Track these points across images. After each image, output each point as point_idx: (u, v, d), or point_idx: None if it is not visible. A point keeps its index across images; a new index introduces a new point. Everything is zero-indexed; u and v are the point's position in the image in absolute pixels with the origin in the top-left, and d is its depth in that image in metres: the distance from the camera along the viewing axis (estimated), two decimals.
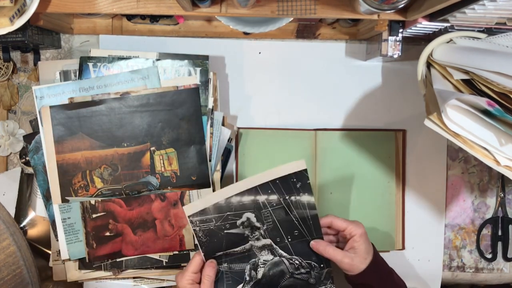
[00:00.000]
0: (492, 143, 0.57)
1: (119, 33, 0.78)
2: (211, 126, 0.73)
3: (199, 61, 0.73)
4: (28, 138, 0.72)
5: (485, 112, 0.56)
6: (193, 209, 0.63)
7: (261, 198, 0.64)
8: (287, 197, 0.64)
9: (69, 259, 0.72)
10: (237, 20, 0.70)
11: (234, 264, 0.66)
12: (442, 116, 0.57)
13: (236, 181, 0.79)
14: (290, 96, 0.80)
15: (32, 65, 0.79)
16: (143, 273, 0.74)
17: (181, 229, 0.72)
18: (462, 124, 0.57)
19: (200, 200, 0.63)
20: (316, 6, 0.63)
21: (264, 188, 0.63)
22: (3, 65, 0.78)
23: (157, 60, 0.72)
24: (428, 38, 0.72)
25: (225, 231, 0.64)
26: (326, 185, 0.79)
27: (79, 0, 0.64)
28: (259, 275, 0.66)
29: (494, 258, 0.82)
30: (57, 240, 0.72)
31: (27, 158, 0.76)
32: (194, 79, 0.72)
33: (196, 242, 0.65)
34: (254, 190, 0.63)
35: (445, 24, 0.66)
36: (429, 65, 0.68)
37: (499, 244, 0.83)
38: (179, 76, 0.72)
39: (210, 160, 0.72)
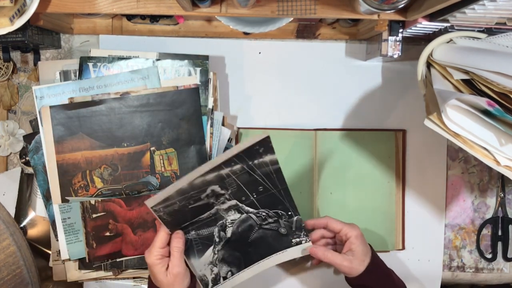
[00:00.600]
0: (492, 143, 0.57)
1: (119, 33, 0.78)
2: (211, 126, 0.73)
3: (199, 61, 0.73)
4: (28, 138, 0.72)
5: (485, 112, 0.56)
6: (155, 200, 0.59)
7: (225, 171, 0.60)
8: (250, 162, 0.61)
9: (69, 259, 0.72)
10: (237, 20, 0.70)
11: (202, 230, 0.64)
12: (442, 116, 0.57)
13: None
14: (290, 96, 0.80)
15: (32, 65, 0.79)
16: (143, 273, 0.74)
17: None
18: (462, 124, 0.57)
19: (162, 192, 0.59)
20: (316, 6, 0.63)
21: (227, 163, 0.60)
22: (3, 65, 0.78)
23: (157, 60, 0.72)
24: (428, 38, 0.72)
25: (189, 207, 0.62)
26: (326, 185, 0.79)
27: (79, 0, 0.64)
28: (228, 234, 0.65)
29: (494, 258, 0.82)
30: (57, 240, 0.72)
31: (27, 158, 0.76)
32: (194, 79, 0.72)
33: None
34: (217, 167, 0.60)
35: (445, 24, 0.66)
36: (429, 65, 0.68)
37: (499, 244, 0.83)
38: (179, 76, 0.72)
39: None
